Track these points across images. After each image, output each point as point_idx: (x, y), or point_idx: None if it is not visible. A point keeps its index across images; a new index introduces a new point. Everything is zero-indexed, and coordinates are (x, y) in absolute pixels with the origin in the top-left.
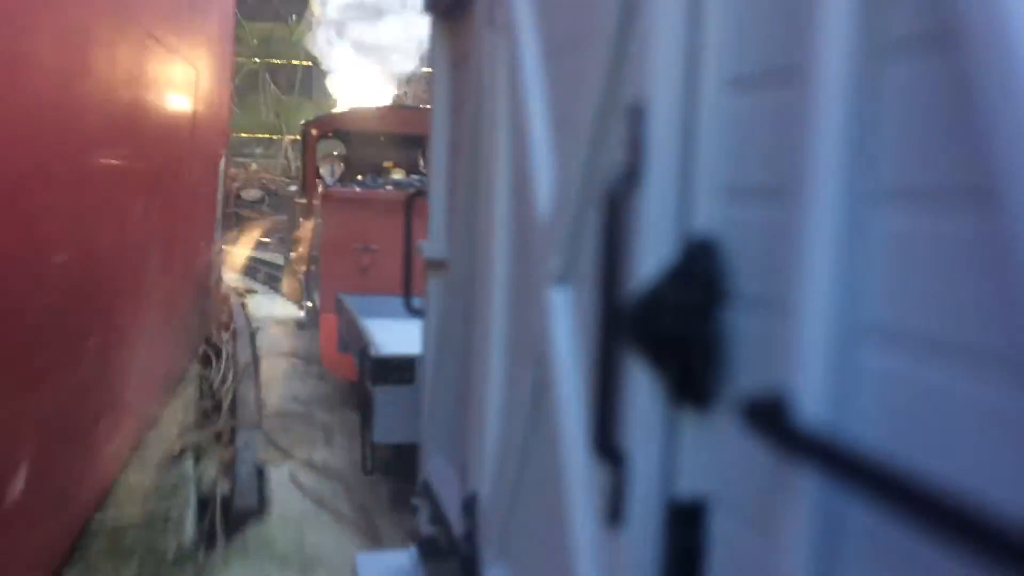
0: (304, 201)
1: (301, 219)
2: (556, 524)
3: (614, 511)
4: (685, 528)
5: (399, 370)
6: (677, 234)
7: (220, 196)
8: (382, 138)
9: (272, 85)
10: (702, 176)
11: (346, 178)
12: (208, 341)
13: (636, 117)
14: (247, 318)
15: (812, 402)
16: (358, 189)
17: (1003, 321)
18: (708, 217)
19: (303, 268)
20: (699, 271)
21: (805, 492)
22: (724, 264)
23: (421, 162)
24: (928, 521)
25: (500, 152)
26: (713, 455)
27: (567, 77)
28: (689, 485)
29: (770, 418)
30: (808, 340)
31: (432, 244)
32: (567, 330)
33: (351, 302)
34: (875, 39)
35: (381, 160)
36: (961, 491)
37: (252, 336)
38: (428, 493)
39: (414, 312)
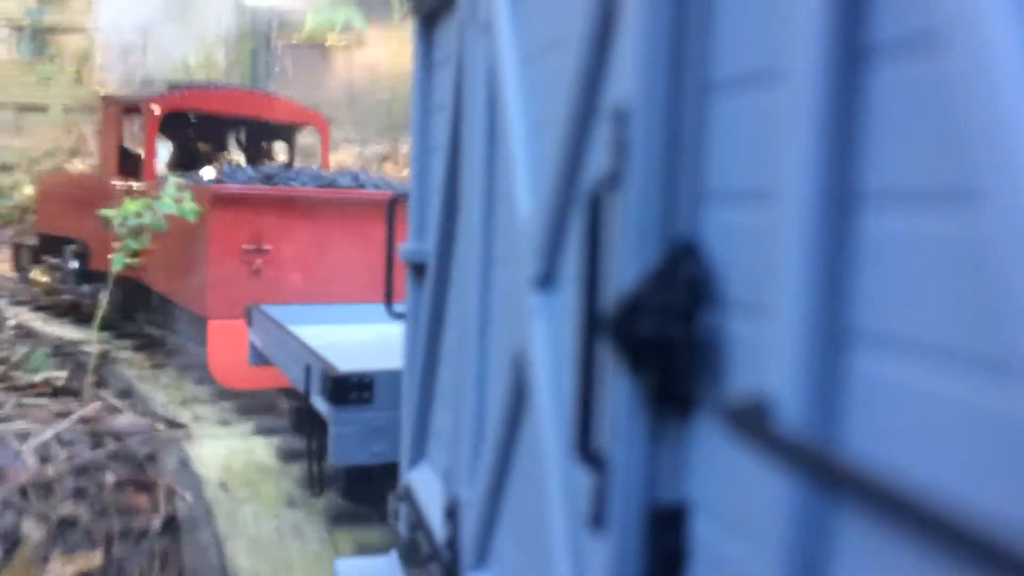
0: (138, 187)
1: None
2: (538, 529)
3: (596, 516)
4: (667, 533)
5: (359, 388)
6: (660, 237)
7: None
8: (193, 118)
9: None
10: (685, 179)
11: (174, 163)
12: None
13: (620, 120)
14: None
15: (795, 407)
16: (247, 184)
17: (986, 323)
18: (691, 220)
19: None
20: (682, 275)
21: (788, 498)
22: (707, 268)
23: (233, 146)
24: (912, 527)
25: (480, 154)
26: (695, 460)
27: (548, 79)
28: (671, 490)
29: (753, 423)
30: (791, 344)
31: (412, 247)
32: (549, 334)
33: (273, 311)
34: (855, 42)
35: (193, 143)
36: (945, 496)
37: None
38: (410, 499)
39: (397, 317)
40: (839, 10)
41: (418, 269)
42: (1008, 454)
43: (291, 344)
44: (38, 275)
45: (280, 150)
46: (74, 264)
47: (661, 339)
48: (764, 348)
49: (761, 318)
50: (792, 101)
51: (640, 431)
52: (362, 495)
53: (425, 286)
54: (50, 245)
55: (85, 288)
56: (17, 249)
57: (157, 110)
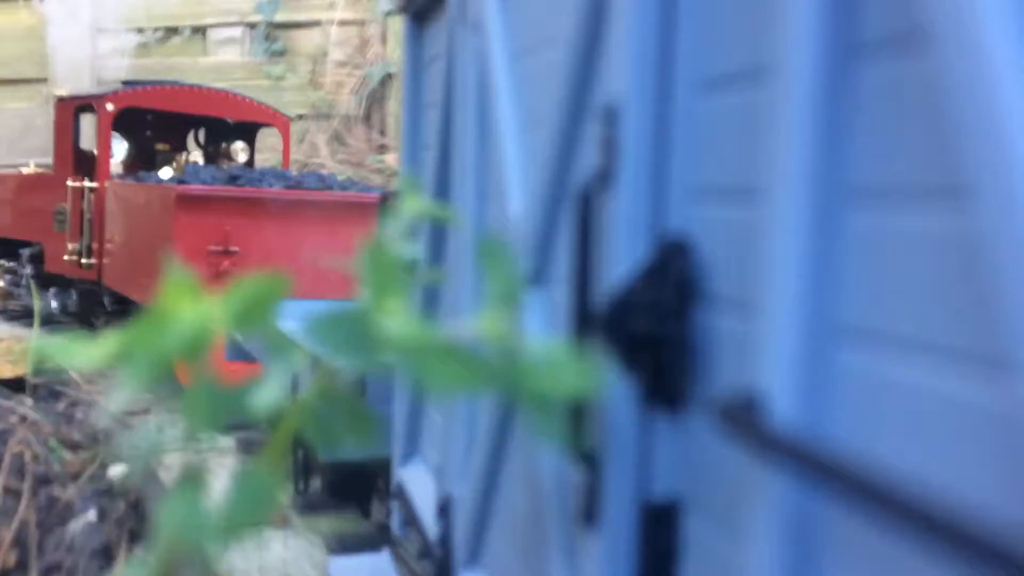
0: (91, 186)
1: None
2: (530, 526)
3: (588, 512)
4: (659, 529)
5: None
6: (650, 234)
7: None
8: (149, 116)
9: None
10: (675, 176)
11: (131, 163)
12: None
13: (610, 118)
14: None
15: (785, 403)
16: (213, 184)
17: (974, 319)
18: (681, 217)
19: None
20: (672, 271)
21: (779, 493)
22: (698, 264)
23: (193, 144)
24: (901, 522)
25: (471, 152)
26: (687, 456)
27: (537, 77)
28: (663, 486)
29: (743, 419)
30: (780, 340)
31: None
32: (540, 331)
33: None
34: (844, 40)
35: (149, 142)
36: (934, 491)
37: None
38: (402, 496)
39: None
40: (828, 7)
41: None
42: (997, 450)
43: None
44: None
45: (240, 149)
46: (29, 267)
47: (652, 336)
48: (754, 344)
49: (751, 314)
50: (781, 98)
51: (632, 427)
52: (345, 491)
53: (417, 284)
54: (5, 249)
55: (45, 292)
56: None
57: (110, 107)
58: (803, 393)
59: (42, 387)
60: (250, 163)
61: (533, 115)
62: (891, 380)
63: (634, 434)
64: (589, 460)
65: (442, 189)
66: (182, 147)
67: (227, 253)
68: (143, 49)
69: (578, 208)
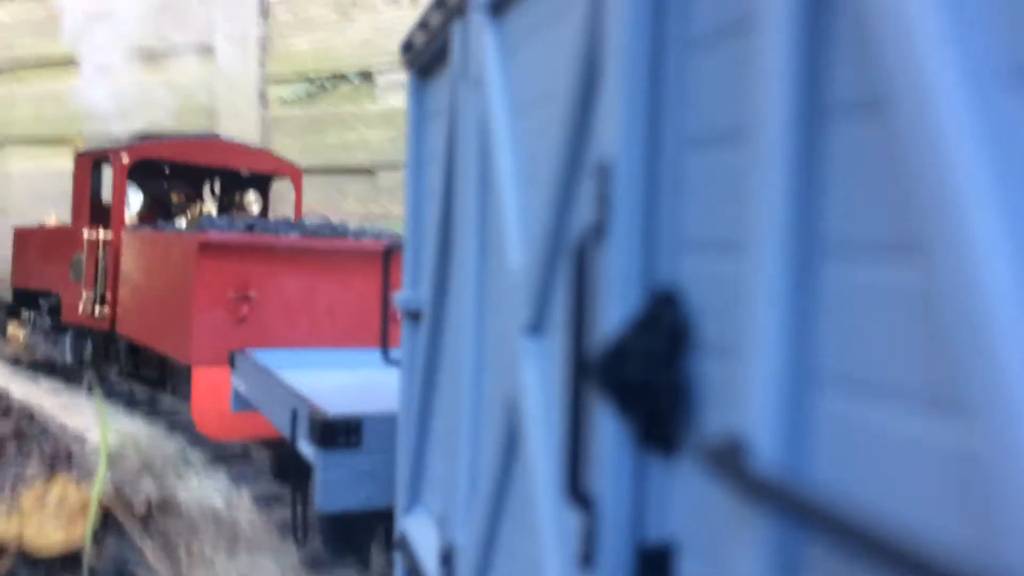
0: (106, 238)
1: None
2: (531, 571)
3: (586, 555)
4: (654, 571)
5: (347, 431)
6: (642, 285)
7: None
8: (166, 169)
9: None
10: (665, 230)
11: (146, 213)
12: None
13: (603, 175)
14: None
15: (767, 446)
16: (234, 232)
17: (937, 366)
18: (671, 269)
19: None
20: (663, 321)
21: (765, 535)
22: (687, 314)
23: (208, 195)
24: (881, 561)
25: (473, 203)
26: (680, 499)
27: (535, 133)
28: (658, 528)
29: (729, 462)
30: (763, 386)
31: (407, 294)
32: (539, 378)
33: (259, 357)
34: (817, 103)
35: (165, 193)
36: (907, 528)
37: None
38: (405, 546)
39: (392, 364)
40: (801, 74)
41: (413, 316)
42: (962, 489)
43: (277, 389)
44: (14, 330)
45: (253, 200)
46: (47, 318)
47: (645, 382)
48: (738, 390)
49: (735, 361)
50: (760, 157)
51: (627, 471)
52: (344, 542)
53: (420, 333)
54: (27, 300)
55: (61, 342)
56: None
57: (125, 159)
58: (784, 436)
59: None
60: (264, 213)
61: (531, 169)
62: (864, 423)
63: (629, 478)
64: (586, 504)
65: (444, 239)
66: (197, 198)
67: (246, 299)
68: (310, 99)
69: (574, 260)
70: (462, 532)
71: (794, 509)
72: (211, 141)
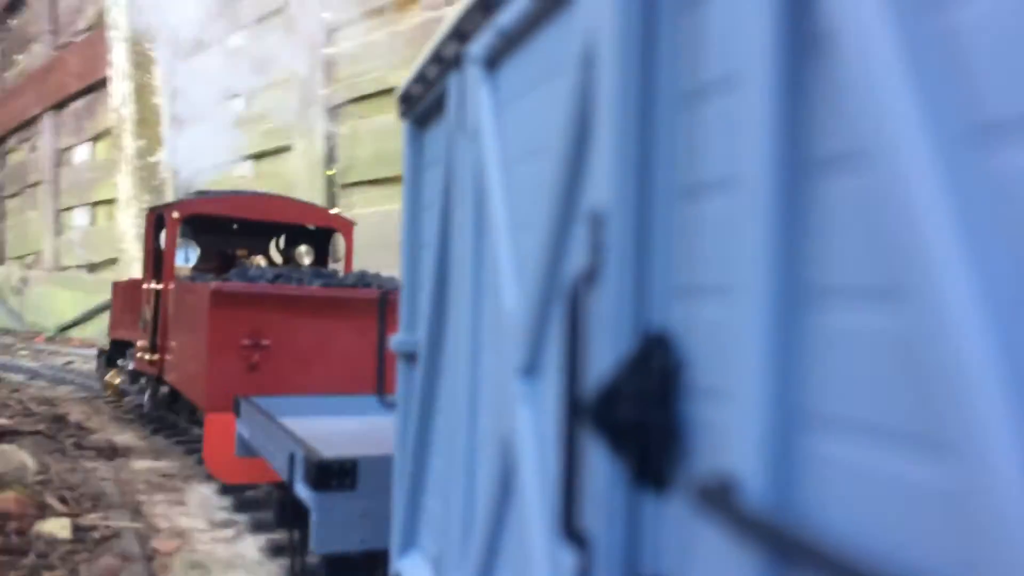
0: (159, 287)
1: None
2: None
3: None
4: None
5: (341, 473)
6: (634, 329)
7: None
8: (235, 225)
9: None
10: (656, 276)
11: (199, 266)
12: None
13: (596, 223)
14: None
15: (756, 484)
16: (242, 282)
17: (919, 407)
18: (662, 313)
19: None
20: (655, 363)
21: (755, 571)
22: (678, 356)
23: (272, 250)
24: None
25: (468, 250)
26: (672, 536)
27: (529, 182)
28: (651, 566)
29: (720, 500)
30: (752, 427)
31: (402, 337)
32: (533, 420)
33: (260, 403)
34: (799, 156)
35: (229, 247)
36: (897, 564)
37: None
38: None
39: (389, 407)
40: (784, 128)
41: (409, 358)
42: (945, 525)
43: (276, 433)
44: (112, 378)
45: (304, 253)
46: (130, 365)
47: (637, 423)
48: (728, 430)
49: (725, 402)
50: (746, 206)
51: (620, 509)
52: None
53: (415, 375)
54: (120, 349)
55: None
56: (99, 355)
57: (176, 215)
58: (773, 475)
59: None
60: (321, 264)
61: (525, 218)
62: (850, 462)
63: (623, 516)
64: (580, 542)
65: (440, 284)
66: (259, 252)
67: (258, 347)
68: None
69: (567, 304)
70: (457, 572)
71: (783, 545)
72: (263, 197)
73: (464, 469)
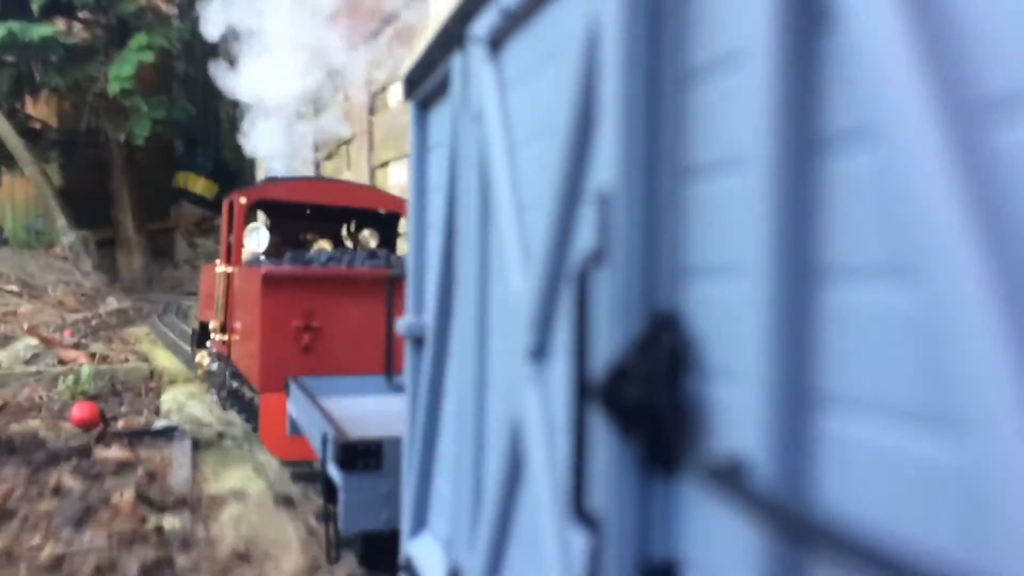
0: (228, 271)
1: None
2: None
3: (591, 575)
4: None
5: (366, 454)
6: (643, 309)
7: None
8: (308, 211)
9: None
10: (664, 256)
11: (272, 250)
12: None
13: (603, 204)
14: None
15: (767, 465)
16: (293, 266)
17: (933, 385)
18: (671, 293)
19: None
20: (664, 344)
21: (766, 552)
22: (687, 337)
23: (344, 234)
24: (873, 572)
25: (474, 232)
26: (683, 518)
27: (535, 164)
28: (662, 547)
29: (731, 481)
30: (762, 407)
31: (410, 320)
32: (542, 402)
33: (307, 383)
34: (806, 132)
35: (301, 232)
36: (904, 543)
37: None
38: (411, 570)
39: (397, 389)
40: (791, 104)
41: (417, 342)
42: (958, 503)
43: (314, 414)
44: (201, 359)
45: (369, 236)
46: (212, 348)
47: (647, 404)
48: (739, 411)
49: (735, 383)
50: (754, 185)
51: (631, 491)
52: (378, 561)
53: (424, 358)
54: (207, 332)
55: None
56: (192, 336)
57: (243, 200)
58: (783, 455)
59: None
60: (390, 247)
61: (532, 199)
62: (861, 441)
63: (633, 498)
64: (591, 524)
65: (447, 266)
66: (328, 236)
67: (309, 329)
68: None
69: (576, 285)
70: (468, 555)
71: (794, 526)
72: (326, 183)
73: (474, 452)
